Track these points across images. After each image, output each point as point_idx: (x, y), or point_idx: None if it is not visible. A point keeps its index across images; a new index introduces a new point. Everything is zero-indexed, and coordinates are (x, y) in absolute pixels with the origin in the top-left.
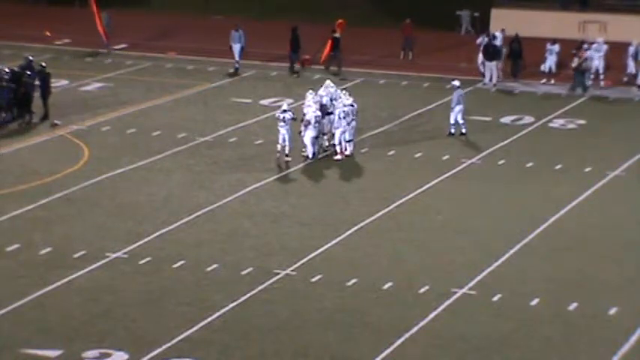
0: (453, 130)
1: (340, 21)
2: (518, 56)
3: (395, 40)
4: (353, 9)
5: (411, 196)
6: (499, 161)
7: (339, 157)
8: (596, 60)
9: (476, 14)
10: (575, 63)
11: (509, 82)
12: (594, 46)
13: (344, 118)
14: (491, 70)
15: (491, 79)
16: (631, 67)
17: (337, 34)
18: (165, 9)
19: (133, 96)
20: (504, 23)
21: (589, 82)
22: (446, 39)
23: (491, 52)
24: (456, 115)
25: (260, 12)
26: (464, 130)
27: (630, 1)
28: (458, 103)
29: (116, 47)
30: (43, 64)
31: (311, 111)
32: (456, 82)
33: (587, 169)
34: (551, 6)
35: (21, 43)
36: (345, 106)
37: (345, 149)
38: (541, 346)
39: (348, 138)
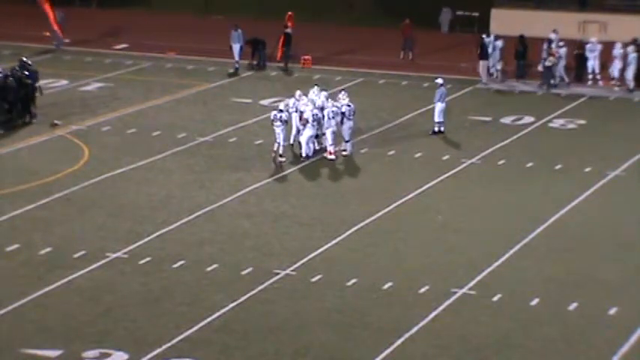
0: (437, 129)
1: (290, 13)
2: (522, 57)
3: (395, 40)
4: (353, 9)
5: (411, 196)
6: (499, 161)
7: (332, 156)
8: (592, 60)
9: (475, 14)
10: (550, 62)
11: (512, 82)
12: (588, 45)
13: (333, 118)
14: (485, 68)
15: (491, 75)
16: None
17: (289, 30)
18: (165, 9)
19: (133, 96)
20: (504, 23)
21: (556, 80)
22: (445, 39)
23: (483, 52)
24: (437, 112)
25: (260, 12)
26: (436, 129)
27: (630, 1)
28: (439, 101)
29: (116, 47)
30: (29, 62)
31: (308, 110)
32: (439, 80)
33: (587, 169)
34: (551, 6)
35: (21, 43)
36: (342, 106)
37: (345, 149)
38: (541, 346)
39: (346, 138)
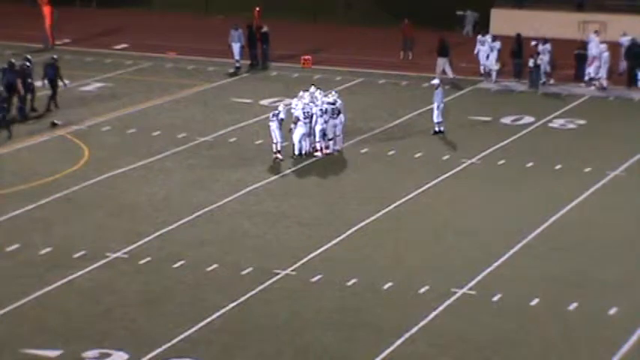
0: (437, 129)
1: (258, 9)
2: (518, 56)
3: (395, 40)
4: (352, 8)
5: (411, 196)
6: (499, 161)
7: (318, 153)
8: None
9: (475, 14)
10: (540, 60)
11: (511, 81)
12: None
13: (321, 116)
14: (441, 65)
15: (445, 73)
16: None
17: (265, 29)
18: (165, 9)
19: (133, 96)
20: (504, 23)
21: (542, 80)
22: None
23: (443, 49)
24: (436, 113)
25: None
26: (436, 129)
27: (630, 1)
28: (436, 102)
29: (116, 47)
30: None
31: (299, 108)
32: (436, 81)
33: (587, 169)
34: (551, 6)
35: (21, 43)
36: (323, 104)
37: (327, 147)
38: (541, 346)
39: (330, 136)
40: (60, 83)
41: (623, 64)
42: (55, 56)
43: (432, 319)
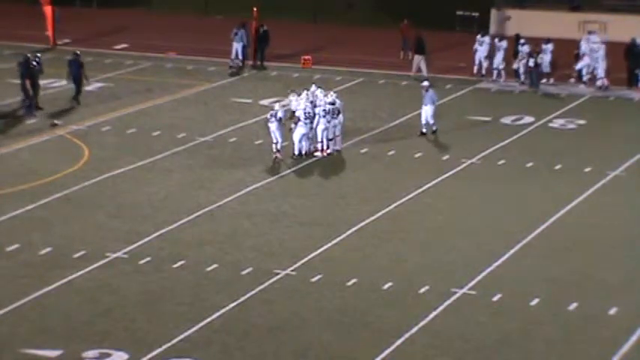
0: (424, 130)
1: (255, 9)
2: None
3: (395, 40)
4: (352, 9)
5: (411, 196)
6: (499, 161)
7: (319, 154)
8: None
9: (475, 14)
10: (540, 60)
11: (510, 82)
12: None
13: (324, 116)
14: (417, 63)
15: (420, 71)
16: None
17: (265, 28)
18: (165, 9)
19: (133, 96)
20: (504, 23)
21: (541, 80)
22: (446, 39)
23: (419, 47)
24: (426, 114)
25: (260, 12)
26: (435, 129)
27: (630, 1)
28: (429, 104)
29: (116, 47)
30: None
31: (300, 108)
32: (426, 83)
33: (587, 169)
34: (551, 6)
35: (21, 43)
36: (326, 104)
37: (328, 147)
38: (541, 346)
39: (330, 136)
40: (84, 81)
41: (585, 63)
42: (77, 52)
43: (432, 319)
